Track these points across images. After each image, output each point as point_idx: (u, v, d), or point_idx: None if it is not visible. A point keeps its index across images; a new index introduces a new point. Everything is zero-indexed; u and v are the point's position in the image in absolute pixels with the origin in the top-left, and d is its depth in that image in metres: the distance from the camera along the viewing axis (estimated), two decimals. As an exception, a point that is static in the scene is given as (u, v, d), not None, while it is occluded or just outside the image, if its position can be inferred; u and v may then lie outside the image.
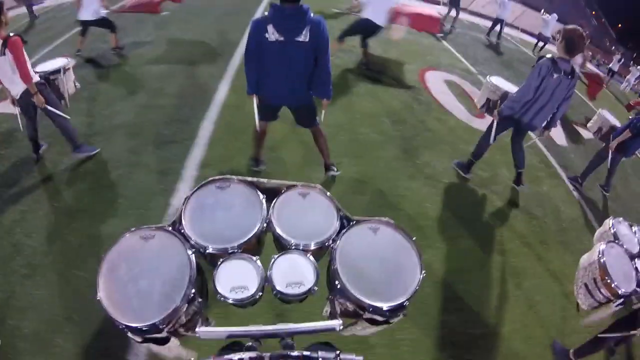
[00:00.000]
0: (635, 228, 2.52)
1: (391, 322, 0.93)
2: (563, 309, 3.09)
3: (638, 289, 2.11)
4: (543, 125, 3.53)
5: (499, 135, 3.71)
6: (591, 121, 5.42)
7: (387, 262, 1.00)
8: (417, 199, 3.79)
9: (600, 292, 2.11)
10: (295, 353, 0.49)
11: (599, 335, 2.44)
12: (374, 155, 4.31)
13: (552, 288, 3.27)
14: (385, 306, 0.91)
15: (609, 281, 2.05)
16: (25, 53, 2.80)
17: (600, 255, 2.12)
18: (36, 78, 2.93)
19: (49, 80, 3.23)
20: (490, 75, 4.27)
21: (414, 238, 1.01)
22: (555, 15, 12.96)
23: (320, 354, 0.46)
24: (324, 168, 3.47)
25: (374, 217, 1.06)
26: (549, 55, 3.29)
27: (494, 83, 4.01)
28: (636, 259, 2.27)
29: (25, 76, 2.75)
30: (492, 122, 3.62)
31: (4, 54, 2.69)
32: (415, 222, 3.47)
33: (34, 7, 8.33)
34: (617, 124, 5.00)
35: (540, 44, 13.22)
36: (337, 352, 0.46)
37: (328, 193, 1.13)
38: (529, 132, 3.92)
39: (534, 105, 3.28)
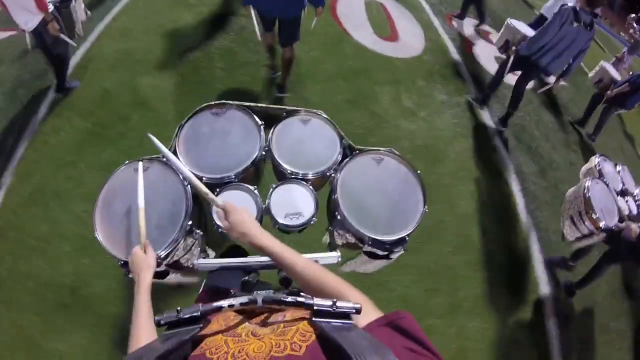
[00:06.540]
0: (619, 167, 2.62)
1: (391, 257, 0.93)
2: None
3: (620, 224, 2.24)
4: (558, 74, 3.69)
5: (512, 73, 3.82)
6: (592, 72, 5.21)
7: (389, 195, 0.96)
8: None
9: (585, 225, 2.24)
10: (289, 298, 0.48)
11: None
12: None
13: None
14: (385, 239, 0.90)
15: (593, 215, 2.15)
16: None
17: (585, 191, 2.21)
18: (50, 7, 2.77)
19: (60, 10, 3.06)
20: (510, 18, 4.24)
21: (418, 171, 0.96)
22: None
23: (316, 300, 0.45)
24: (276, 87, 3.24)
25: (378, 147, 1.00)
26: (570, 4, 3.33)
27: (515, 26, 4.17)
28: (619, 196, 2.38)
29: (41, 3, 2.60)
30: (508, 58, 3.79)
31: None
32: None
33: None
34: (618, 77, 4.89)
35: None
36: (334, 299, 0.44)
37: (331, 120, 1.05)
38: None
39: (552, 50, 3.43)
